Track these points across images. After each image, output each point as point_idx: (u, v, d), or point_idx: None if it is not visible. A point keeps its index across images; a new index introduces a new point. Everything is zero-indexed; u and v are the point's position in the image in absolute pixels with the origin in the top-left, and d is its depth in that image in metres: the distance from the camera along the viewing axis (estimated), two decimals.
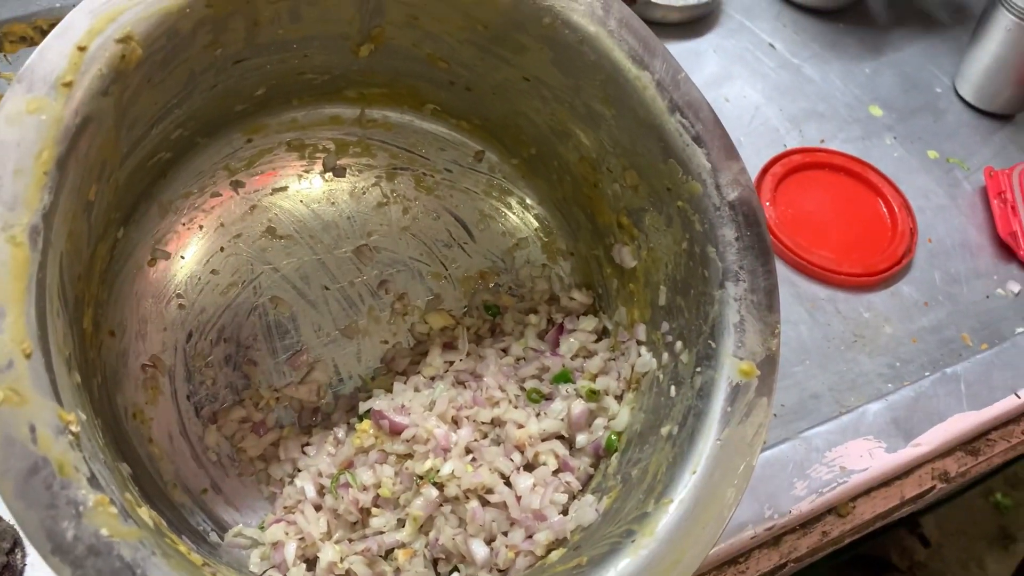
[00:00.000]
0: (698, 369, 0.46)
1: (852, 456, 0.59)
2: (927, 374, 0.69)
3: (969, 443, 0.65)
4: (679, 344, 0.49)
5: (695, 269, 0.48)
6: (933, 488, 0.63)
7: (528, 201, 0.62)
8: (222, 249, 0.57)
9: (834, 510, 0.59)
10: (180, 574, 0.35)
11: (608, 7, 0.47)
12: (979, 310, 0.77)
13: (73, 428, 0.35)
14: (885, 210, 0.81)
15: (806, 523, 0.58)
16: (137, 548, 0.35)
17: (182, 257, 0.55)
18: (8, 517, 0.49)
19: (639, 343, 0.54)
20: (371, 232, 0.61)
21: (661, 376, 0.50)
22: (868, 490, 0.60)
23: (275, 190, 0.59)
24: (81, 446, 0.36)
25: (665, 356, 0.50)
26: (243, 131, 0.57)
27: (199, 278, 0.56)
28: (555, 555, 0.46)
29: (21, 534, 0.49)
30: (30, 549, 0.49)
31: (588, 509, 0.47)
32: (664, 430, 0.47)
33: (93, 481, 0.35)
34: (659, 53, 0.47)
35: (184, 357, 0.55)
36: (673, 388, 0.48)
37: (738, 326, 0.45)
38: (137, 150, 0.47)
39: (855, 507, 0.59)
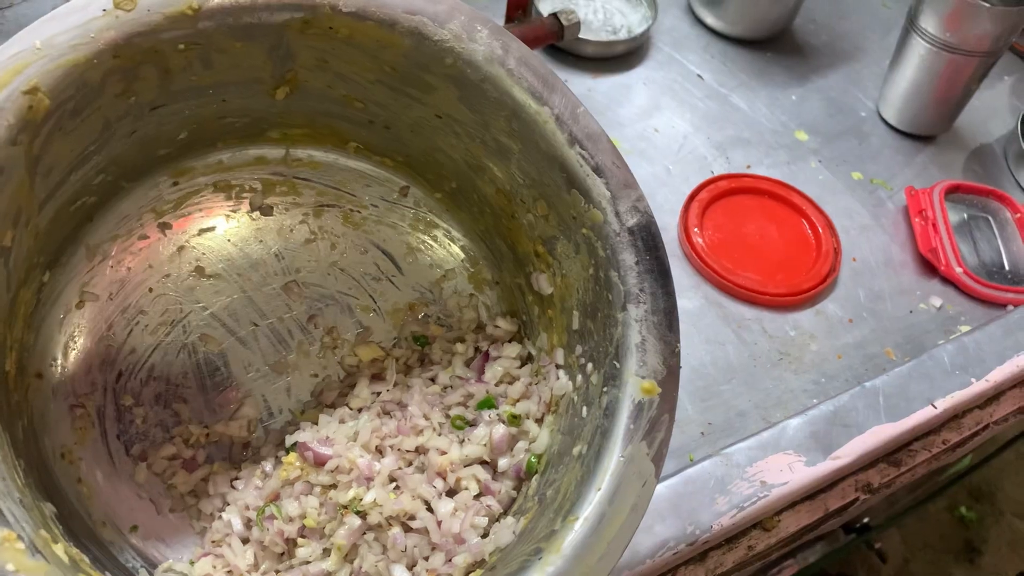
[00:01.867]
0: (605, 389, 0.48)
1: (772, 471, 0.61)
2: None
3: (890, 455, 0.67)
4: (590, 366, 0.51)
5: (601, 293, 0.50)
6: (856, 500, 0.65)
7: (453, 233, 0.64)
8: (150, 290, 0.58)
9: (759, 524, 0.61)
10: None
11: (507, 47, 0.49)
12: (902, 325, 0.79)
13: None
14: (810, 231, 0.83)
15: (731, 538, 0.60)
16: None
17: (110, 298, 0.57)
18: None
19: (558, 367, 0.55)
20: (299, 268, 0.62)
21: (575, 398, 0.52)
22: (792, 504, 0.62)
23: (202, 230, 0.60)
24: None
25: (579, 378, 0.52)
26: (168, 174, 0.58)
27: (128, 318, 0.57)
28: None
29: None
30: None
31: (506, 531, 0.49)
32: (575, 450, 0.48)
33: (1, 519, 0.36)
34: (558, 89, 0.49)
35: (114, 396, 0.56)
36: (585, 408, 0.50)
37: (640, 346, 0.47)
38: (57, 195, 0.49)
39: (780, 520, 0.61)
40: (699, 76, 0.98)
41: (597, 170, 0.49)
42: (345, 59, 0.51)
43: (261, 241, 0.62)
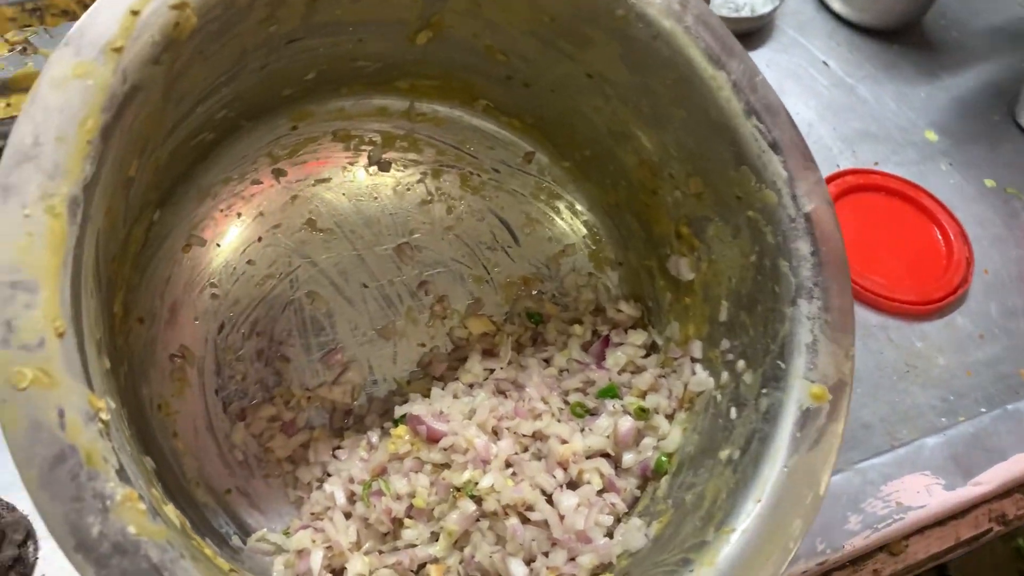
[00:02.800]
0: (764, 391, 0.43)
1: (909, 491, 0.56)
2: (983, 410, 0.66)
3: None
4: (741, 363, 0.46)
5: (764, 284, 0.45)
6: (989, 531, 0.59)
7: (577, 207, 0.60)
8: (260, 239, 0.54)
9: (886, 548, 0.56)
10: None
11: (685, 3, 0.44)
12: None
13: (103, 416, 0.33)
14: (940, 237, 0.77)
15: (857, 559, 0.55)
16: (165, 549, 0.32)
17: (218, 245, 0.53)
18: (22, 507, 0.47)
19: (694, 360, 0.51)
20: (413, 230, 0.58)
21: (719, 396, 0.47)
22: (922, 528, 0.56)
23: (318, 181, 0.56)
24: (110, 435, 0.33)
25: (725, 375, 0.47)
26: (289, 117, 0.54)
27: (235, 268, 0.53)
28: None
29: (34, 526, 0.46)
30: (43, 542, 0.46)
31: (637, 533, 0.45)
32: (723, 454, 0.44)
33: (122, 474, 0.32)
34: (736, 53, 0.45)
35: (214, 349, 0.52)
36: (734, 410, 0.45)
37: (810, 347, 0.42)
38: (180, 128, 0.45)
39: (908, 546, 0.56)
40: (824, 63, 0.92)
41: (774, 146, 0.44)
42: (501, 5, 0.46)
43: (376, 198, 0.58)
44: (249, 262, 0.54)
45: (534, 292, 0.59)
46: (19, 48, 0.64)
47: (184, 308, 0.52)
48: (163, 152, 0.45)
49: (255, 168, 0.54)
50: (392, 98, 0.57)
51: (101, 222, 0.37)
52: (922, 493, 0.56)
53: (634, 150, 0.52)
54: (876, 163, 0.83)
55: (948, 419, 0.65)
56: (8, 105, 0.65)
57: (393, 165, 0.58)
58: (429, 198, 0.59)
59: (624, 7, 0.44)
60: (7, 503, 0.46)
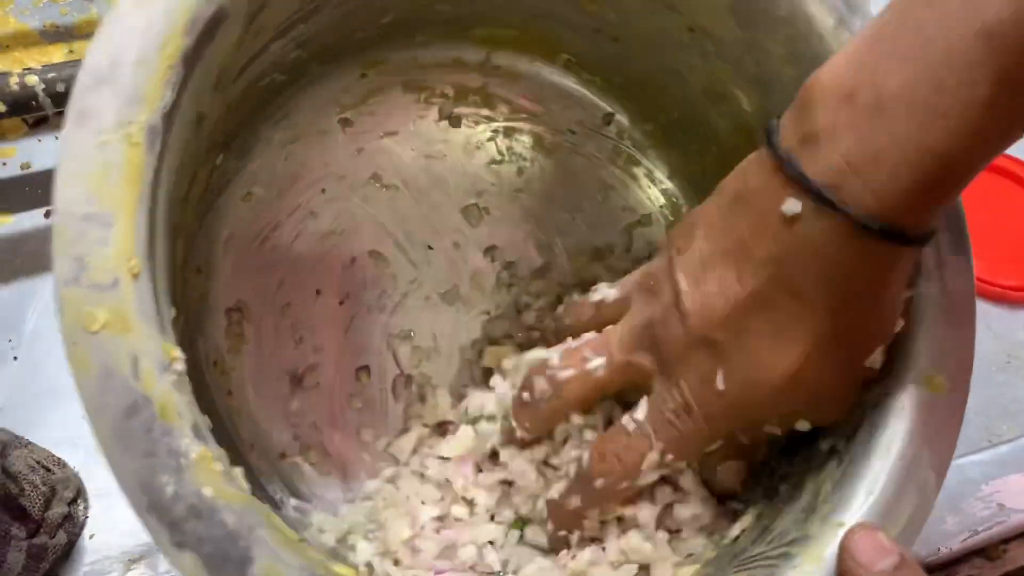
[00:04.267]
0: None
1: (1012, 493, 0.53)
2: None
3: None
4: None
5: None
6: None
7: (656, 174, 0.56)
8: (323, 191, 0.51)
9: (984, 552, 0.53)
10: (285, 551, 0.30)
11: None
12: None
13: (178, 366, 0.30)
14: None
15: (950, 563, 0.52)
16: (242, 515, 0.29)
17: (279, 195, 0.50)
18: (72, 463, 0.44)
19: None
20: (482, 191, 0.55)
21: None
22: (1022, 534, 0.53)
23: (386, 133, 0.53)
24: (183, 389, 0.30)
25: None
26: (360, 64, 0.51)
27: (297, 221, 0.50)
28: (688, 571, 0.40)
29: (84, 484, 0.44)
30: (93, 500, 0.44)
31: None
32: (823, 445, 0.41)
33: (197, 430, 0.30)
34: (860, 11, 0.41)
35: (273, 306, 0.49)
36: None
37: (927, 332, 0.39)
38: (254, 65, 0.42)
39: (1007, 551, 0.53)
40: None
41: None
42: None
43: (445, 156, 0.54)
44: (312, 214, 0.51)
45: (604, 263, 0.56)
46: None
47: (243, 260, 0.49)
48: (235, 90, 0.42)
49: (322, 117, 0.51)
50: (468, 49, 0.53)
51: (176, 158, 0.34)
52: None
53: (730, 113, 0.48)
54: None
55: None
56: (71, 52, 0.62)
57: (464, 121, 0.55)
58: (500, 158, 0.55)
59: None
60: (58, 458, 0.43)
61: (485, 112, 0.55)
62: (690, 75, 0.49)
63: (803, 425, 0.38)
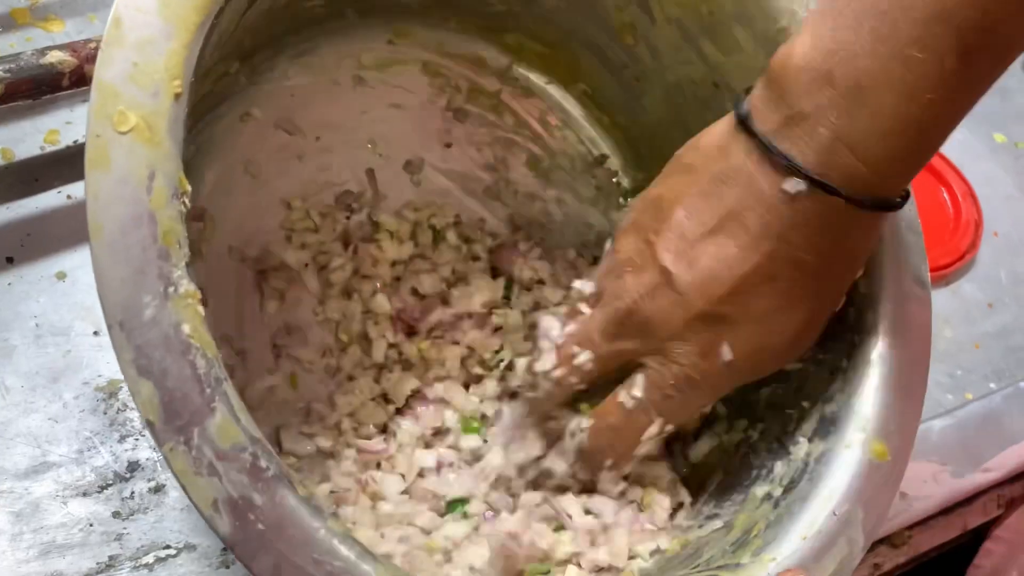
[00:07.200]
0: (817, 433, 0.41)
1: (915, 481, 0.53)
2: (992, 385, 0.63)
3: None
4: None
5: None
6: (998, 517, 0.57)
7: None
8: (318, 139, 0.51)
9: (887, 540, 0.53)
10: (245, 417, 0.28)
11: None
12: None
13: (187, 201, 0.29)
14: (947, 198, 0.73)
15: None
16: (212, 364, 0.27)
17: (275, 127, 0.49)
18: None
19: None
20: (468, 190, 0.55)
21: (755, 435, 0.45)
22: (926, 519, 0.54)
23: (392, 105, 0.53)
24: (184, 225, 0.29)
25: None
26: (390, 31, 0.52)
27: (283, 156, 0.49)
28: None
29: None
30: None
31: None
32: (759, 491, 0.41)
33: (189, 269, 0.28)
34: None
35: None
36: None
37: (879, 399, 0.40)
38: None
39: (911, 537, 0.53)
40: None
41: None
42: None
43: (447, 145, 0.55)
44: (299, 158, 0.50)
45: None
46: None
47: (221, 177, 0.47)
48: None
49: (340, 67, 0.51)
50: (494, 51, 0.55)
51: (222, 24, 0.33)
52: (929, 483, 0.53)
53: None
54: None
55: (955, 396, 0.62)
56: None
57: (468, 119, 0.55)
58: (491, 166, 0.56)
59: (789, 18, 0.43)
60: None
61: (492, 118, 0.56)
62: (699, 130, 0.51)
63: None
